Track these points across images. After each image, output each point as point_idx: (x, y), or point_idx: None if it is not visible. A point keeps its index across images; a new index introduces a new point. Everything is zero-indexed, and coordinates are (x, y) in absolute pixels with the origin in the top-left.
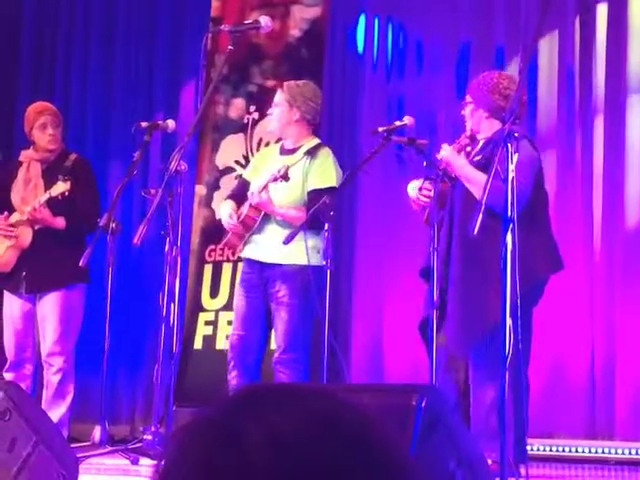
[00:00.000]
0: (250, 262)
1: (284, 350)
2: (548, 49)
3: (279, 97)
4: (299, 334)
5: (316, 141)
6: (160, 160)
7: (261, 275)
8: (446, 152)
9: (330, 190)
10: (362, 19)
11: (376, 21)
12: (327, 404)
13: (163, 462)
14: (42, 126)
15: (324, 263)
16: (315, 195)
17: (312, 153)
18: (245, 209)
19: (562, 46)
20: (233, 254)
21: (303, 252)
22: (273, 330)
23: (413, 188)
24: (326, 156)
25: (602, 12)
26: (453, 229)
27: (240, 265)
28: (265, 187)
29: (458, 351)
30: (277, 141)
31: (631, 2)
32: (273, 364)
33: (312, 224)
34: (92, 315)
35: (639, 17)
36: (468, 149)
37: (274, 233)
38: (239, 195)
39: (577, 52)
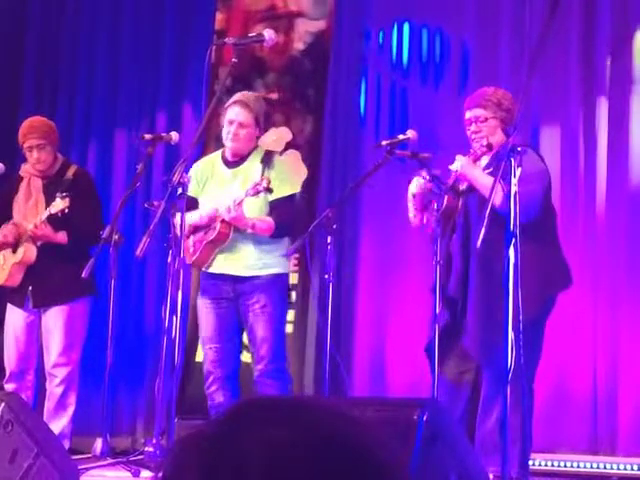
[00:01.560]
0: (219, 276)
1: (270, 360)
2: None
3: (246, 117)
4: (281, 343)
5: (263, 149)
6: (163, 172)
7: (234, 288)
8: (461, 163)
9: (292, 198)
10: (366, 32)
11: (380, 34)
12: (326, 417)
13: (161, 474)
14: (28, 149)
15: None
16: (277, 205)
17: (267, 162)
18: (217, 224)
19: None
20: (198, 269)
21: (277, 261)
22: (249, 342)
23: (417, 185)
24: (282, 164)
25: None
26: (470, 242)
27: None
28: (241, 202)
29: (478, 358)
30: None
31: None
32: (257, 376)
33: (282, 233)
34: (94, 327)
35: None
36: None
37: (244, 246)
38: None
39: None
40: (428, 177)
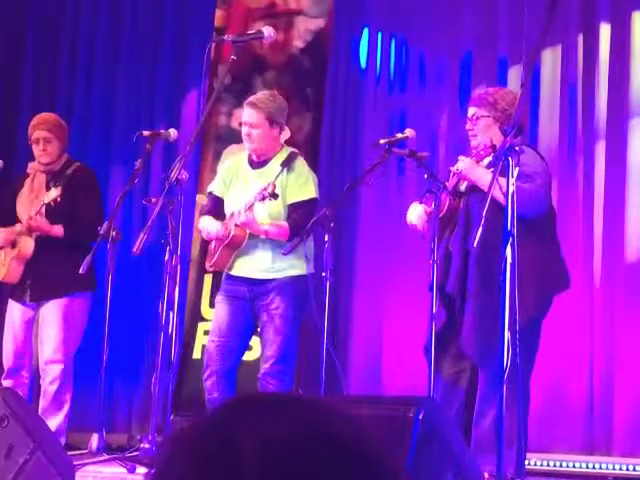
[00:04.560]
0: (236, 278)
1: (276, 362)
2: (551, 67)
3: (256, 117)
4: (290, 346)
5: (287, 150)
6: (161, 169)
7: (251, 289)
8: (465, 164)
9: (311, 202)
10: (365, 31)
11: (379, 34)
12: (323, 415)
13: (155, 467)
14: (35, 141)
15: (313, 271)
16: (295, 208)
17: (288, 165)
18: (232, 228)
19: (564, 64)
20: (219, 272)
21: (292, 264)
22: (261, 341)
23: (417, 216)
24: (302, 167)
25: (605, 32)
26: (469, 242)
27: None
28: (251, 206)
29: (474, 358)
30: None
31: (634, 23)
32: (261, 375)
33: (300, 233)
34: (91, 323)
35: None
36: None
37: (261, 250)
38: (214, 212)
39: (580, 71)
40: (426, 176)
